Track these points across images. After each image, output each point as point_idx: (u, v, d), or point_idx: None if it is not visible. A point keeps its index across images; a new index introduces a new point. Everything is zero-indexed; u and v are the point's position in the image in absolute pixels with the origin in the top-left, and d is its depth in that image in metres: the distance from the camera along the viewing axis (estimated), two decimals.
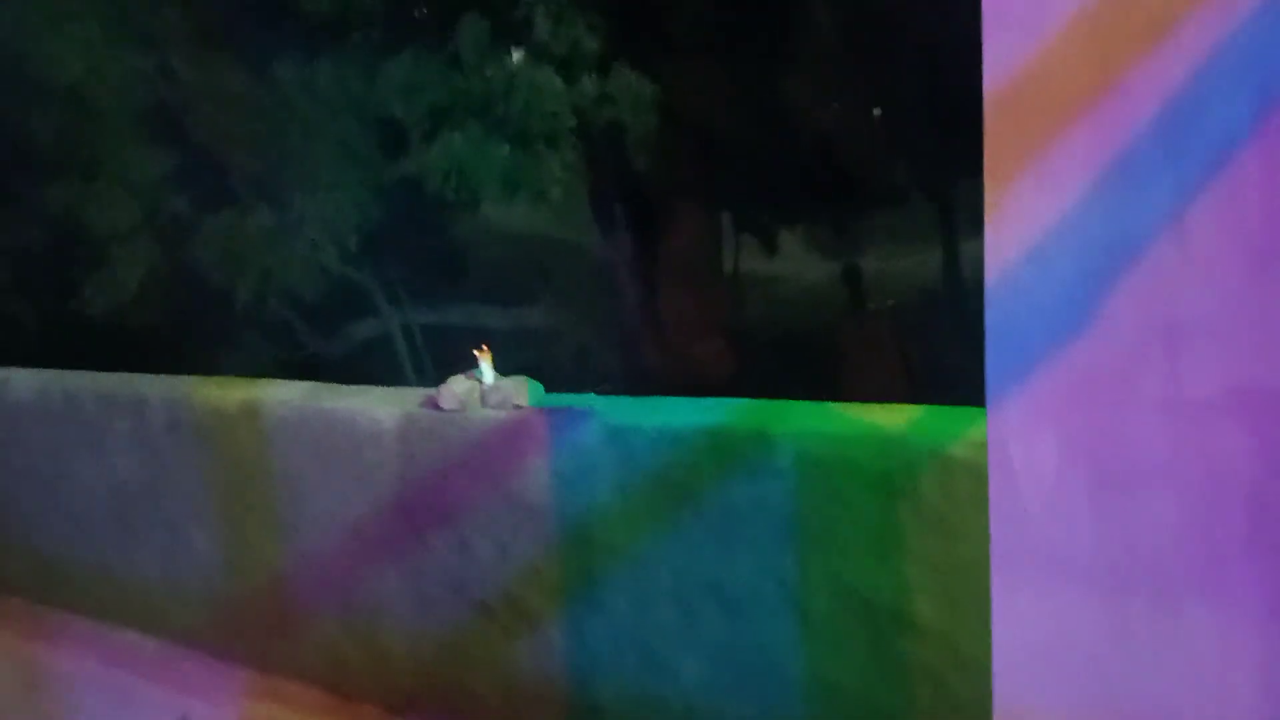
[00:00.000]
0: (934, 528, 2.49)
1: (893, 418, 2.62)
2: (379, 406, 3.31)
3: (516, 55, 6.74)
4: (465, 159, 6.46)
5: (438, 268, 8.84)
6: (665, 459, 2.80)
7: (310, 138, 6.81)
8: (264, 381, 3.67)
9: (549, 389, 3.22)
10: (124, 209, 6.94)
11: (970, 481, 2.43)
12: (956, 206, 12.41)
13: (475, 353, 3.20)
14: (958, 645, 2.52)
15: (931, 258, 13.28)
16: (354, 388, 3.53)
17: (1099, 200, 1.27)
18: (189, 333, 7.45)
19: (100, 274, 7.09)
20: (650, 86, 6.90)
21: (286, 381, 3.64)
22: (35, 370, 4.37)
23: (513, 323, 10.83)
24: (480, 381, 3.17)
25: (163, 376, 4.00)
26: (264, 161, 7.02)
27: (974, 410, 2.58)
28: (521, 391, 3.10)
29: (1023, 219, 1.30)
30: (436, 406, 3.17)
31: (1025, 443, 1.33)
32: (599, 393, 3.19)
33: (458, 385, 3.15)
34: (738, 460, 2.69)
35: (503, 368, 3.25)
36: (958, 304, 11.38)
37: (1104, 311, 1.29)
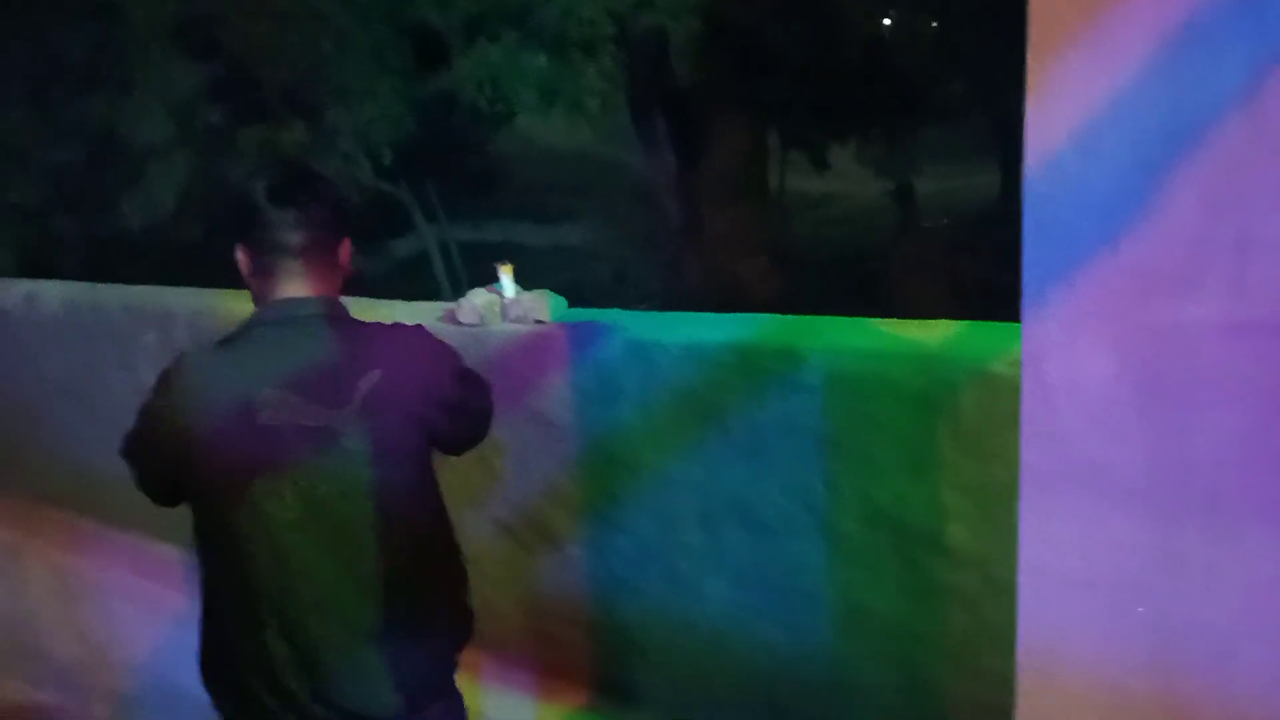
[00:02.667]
0: (971, 449, 2.35)
1: (931, 333, 2.46)
2: (398, 320, 3.21)
3: None
4: (500, 68, 6.24)
5: (474, 183, 8.70)
6: (690, 375, 2.68)
7: (343, 48, 6.62)
8: None
9: (586, 308, 3.10)
10: (159, 122, 6.86)
11: (1011, 400, 2.27)
12: (1015, 122, 11.95)
13: (497, 266, 3.08)
14: (992, 570, 2.39)
15: (988, 176, 12.89)
16: (373, 301, 3.43)
17: (1160, 75, 1.09)
18: (229, 249, 7.37)
19: (137, 189, 7.04)
20: None
21: None
22: (63, 283, 4.33)
23: (551, 240, 10.67)
24: (501, 295, 3.05)
25: (189, 289, 3.94)
26: (296, 73, 6.86)
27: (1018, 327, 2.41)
28: (543, 306, 2.98)
29: (1071, 96, 1.13)
30: (455, 321, 3.06)
31: (1066, 351, 1.18)
32: (625, 307, 3.06)
33: (477, 299, 3.04)
34: (766, 377, 2.56)
35: (539, 286, 3.13)
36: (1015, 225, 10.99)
37: (1162, 207, 1.12)
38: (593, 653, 3.07)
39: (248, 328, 1.77)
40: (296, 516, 1.72)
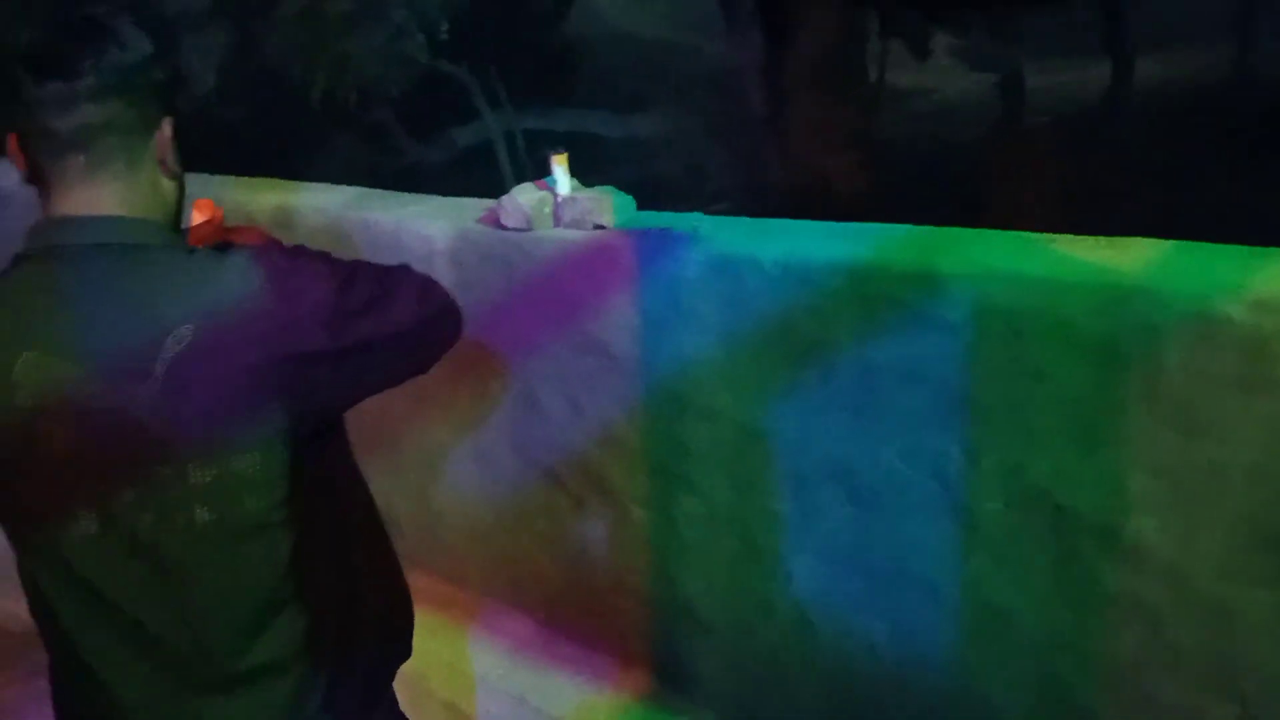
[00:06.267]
0: (1171, 417, 1.74)
1: (1122, 255, 1.82)
2: (429, 221, 2.64)
3: None
4: None
5: (542, 67, 7.98)
6: (788, 301, 2.08)
7: None
8: (300, 185, 3.04)
9: (657, 206, 2.49)
10: None
11: (1237, 356, 1.65)
12: (1126, 10, 10.87)
13: (549, 156, 2.48)
14: (1188, 579, 1.81)
15: (1100, 70, 11.84)
16: (404, 195, 2.87)
17: None
18: (276, 134, 6.87)
19: (172, 64, 6.49)
20: None
21: (328, 186, 3.00)
22: None
23: (623, 131, 9.91)
24: (554, 193, 2.45)
25: (197, 176, 3.42)
26: None
27: (1259, 251, 1.76)
28: (605, 207, 2.38)
29: None
30: (499, 224, 2.48)
31: None
32: (710, 214, 2.44)
33: (524, 197, 2.45)
34: (890, 308, 1.95)
35: (613, 179, 2.53)
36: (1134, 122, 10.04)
37: None
38: (649, 629, 2.56)
39: (11, 264, 1.21)
40: (93, 533, 1.18)
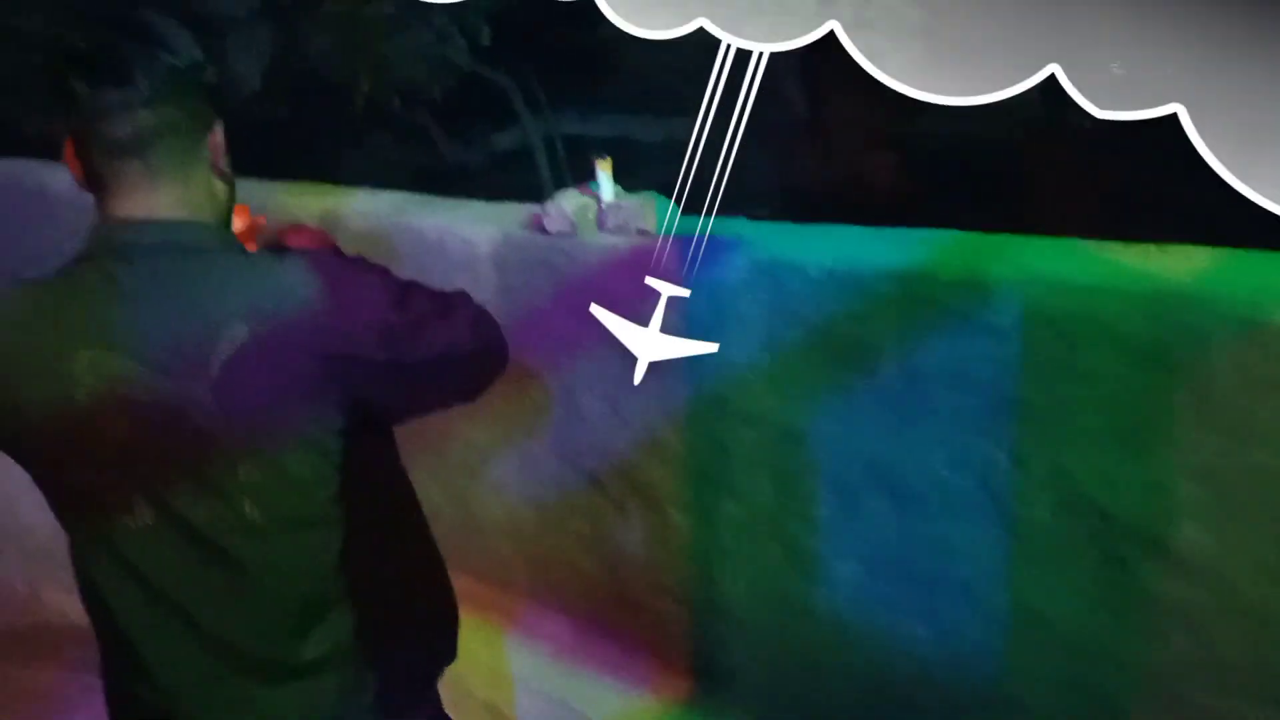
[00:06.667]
0: (1221, 423, 1.74)
1: (1171, 263, 1.81)
2: (473, 226, 2.67)
3: None
4: None
5: (582, 70, 7.98)
6: (833, 306, 2.08)
7: None
8: (346, 190, 3.07)
9: (700, 209, 2.49)
10: None
11: None
12: None
13: (593, 161, 2.49)
14: (1233, 586, 1.80)
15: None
16: (448, 201, 2.89)
17: None
18: (317, 133, 6.94)
19: (218, 64, 6.56)
20: None
21: (373, 191, 3.03)
22: None
23: (663, 134, 9.88)
24: (597, 198, 2.47)
25: (245, 180, 3.46)
26: None
27: None
28: (648, 212, 2.39)
29: None
30: (542, 228, 2.50)
31: None
32: (753, 217, 2.45)
33: (568, 202, 2.47)
34: (936, 312, 1.95)
35: (648, 184, 2.54)
36: None
37: None
38: (688, 632, 2.57)
39: (71, 263, 1.24)
40: (148, 525, 1.21)
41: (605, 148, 2.61)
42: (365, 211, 2.90)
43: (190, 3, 6.62)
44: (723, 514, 2.39)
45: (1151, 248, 1.84)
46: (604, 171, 2.47)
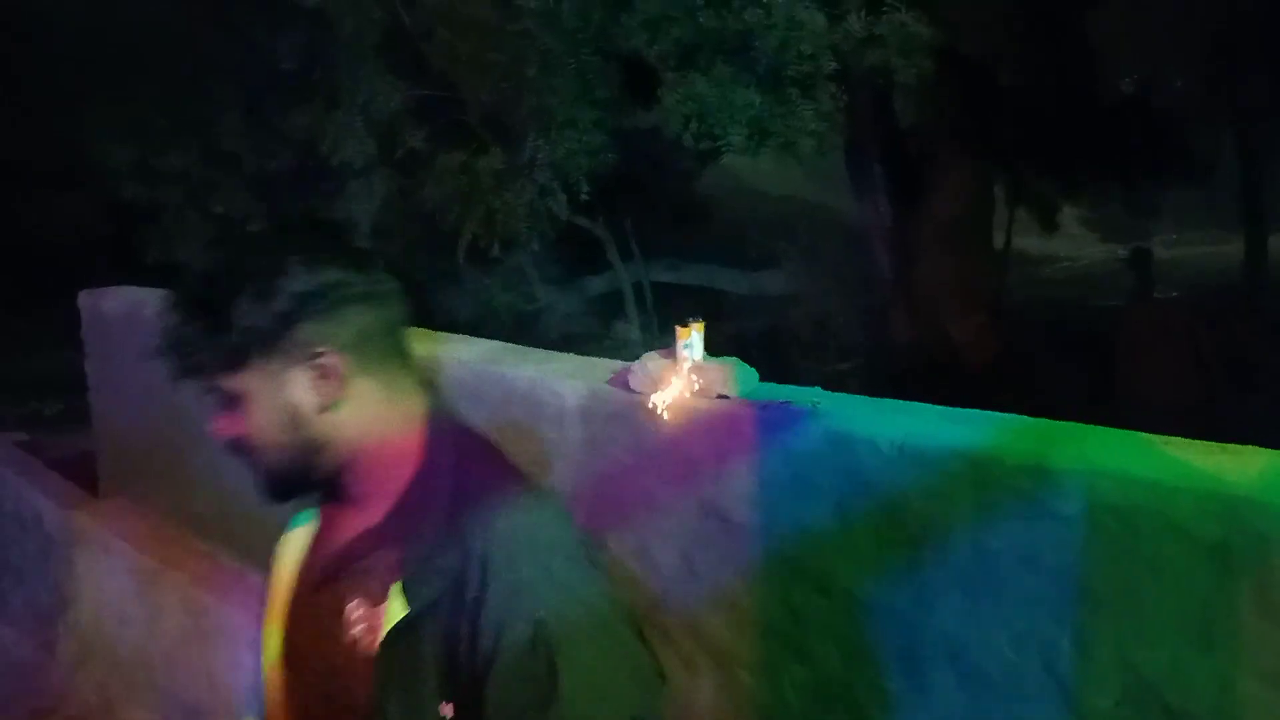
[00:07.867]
0: None
1: (1234, 463, 1.85)
2: (563, 379, 2.81)
3: None
4: (710, 103, 5.81)
5: (674, 222, 8.31)
6: (905, 481, 2.15)
7: (548, 72, 6.32)
8: (443, 335, 3.26)
9: (781, 361, 2.60)
10: (361, 141, 6.80)
11: None
12: (1266, 186, 10.72)
13: (690, 325, 2.61)
14: None
15: (1228, 246, 11.66)
16: (539, 352, 3.05)
17: None
18: (423, 272, 7.30)
19: (336, 207, 7.01)
20: (927, 28, 5.96)
21: (468, 339, 3.22)
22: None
23: (751, 287, 10.11)
24: (683, 361, 2.60)
25: None
26: (499, 96, 6.65)
27: None
28: (729, 377, 2.51)
29: None
30: (626, 386, 2.63)
31: None
32: (838, 370, 2.55)
33: (653, 364, 2.60)
34: (1005, 495, 2.00)
35: (737, 333, 2.65)
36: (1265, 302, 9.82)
37: None
38: None
39: None
40: None
41: (692, 296, 2.75)
42: (461, 359, 3.08)
43: (316, 148, 7.14)
44: (791, 678, 2.41)
45: (1213, 446, 1.88)
46: (697, 333, 2.60)
